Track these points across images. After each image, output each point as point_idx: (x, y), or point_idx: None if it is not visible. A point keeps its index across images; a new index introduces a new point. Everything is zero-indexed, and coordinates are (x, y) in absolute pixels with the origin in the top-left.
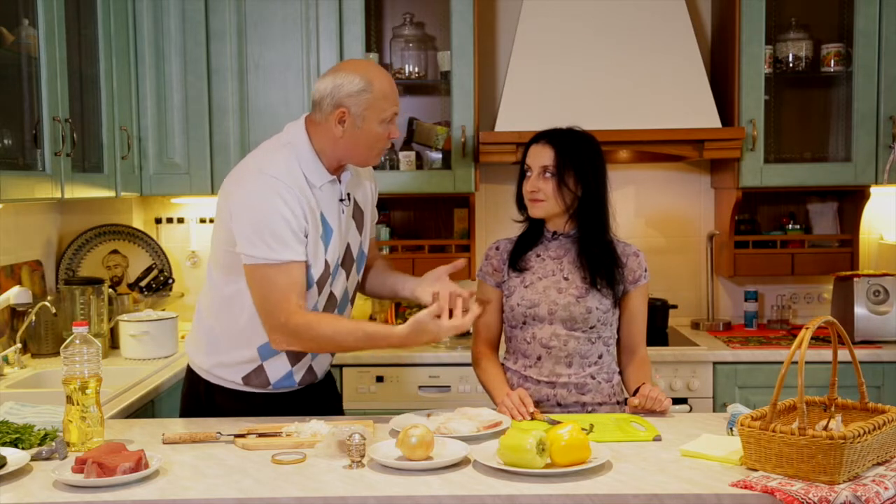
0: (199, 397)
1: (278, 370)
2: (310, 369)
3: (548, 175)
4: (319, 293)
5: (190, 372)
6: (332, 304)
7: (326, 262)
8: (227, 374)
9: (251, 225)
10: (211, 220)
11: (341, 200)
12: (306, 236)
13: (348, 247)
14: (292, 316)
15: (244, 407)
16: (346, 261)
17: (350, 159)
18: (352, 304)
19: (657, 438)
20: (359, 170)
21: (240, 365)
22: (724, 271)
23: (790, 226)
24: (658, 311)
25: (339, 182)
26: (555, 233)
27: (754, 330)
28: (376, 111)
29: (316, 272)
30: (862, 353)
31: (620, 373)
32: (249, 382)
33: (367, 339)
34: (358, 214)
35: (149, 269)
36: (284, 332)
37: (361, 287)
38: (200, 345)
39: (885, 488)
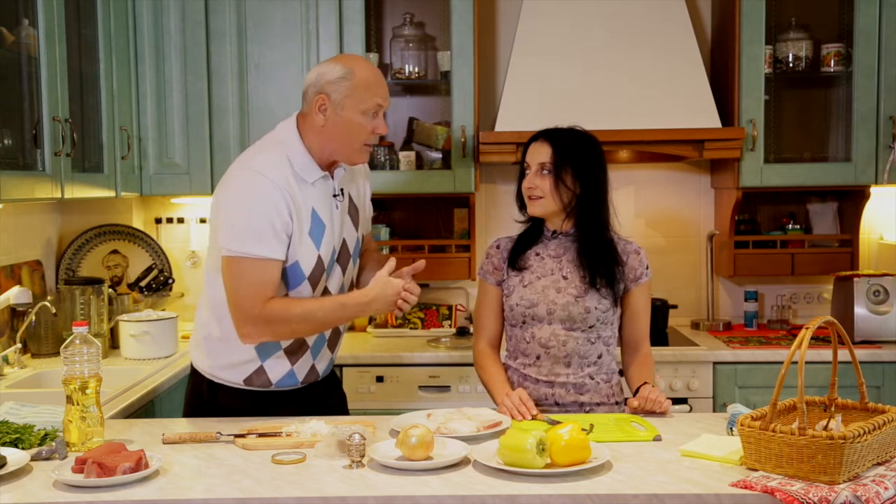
0: (202, 396)
1: (279, 370)
2: (312, 368)
3: (545, 172)
4: (314, 289)
5: (193, 372)
6: None
7: (320, 257)
8: (229, 375)
9: (234, 219)
10: None
11: (335, 196)
12: (290, 237)
13: (344, 243)
14: (266, 305)
15: (247, 405)
16: (342, 256)
17: (335, 153)
18: None
19: (657, 438)
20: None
21: (240, 366)
22: (724, 271)
23: (790, 226)
24: (658, 311)
25: (332, 178)
26: (554, 232)
27: (754, 330)
28: (356, 100)
29: (307, 268)
30: (862, 353)
31: (623, 370)
32: (251, 384)
33: (339, 306)
34: (353, 210)
35: (149, 269)
36: (258, 321)
37: (357, 282)
38: (201, 347)
39: (885, 488)
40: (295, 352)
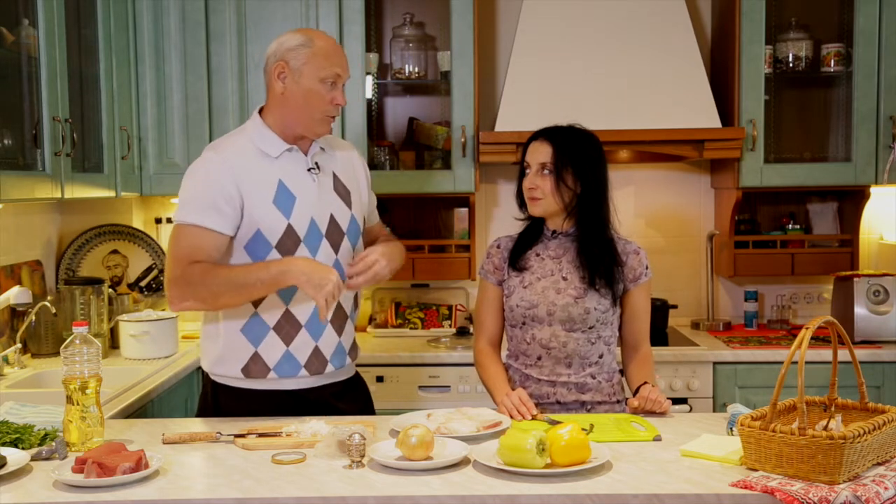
0: (206, 398)
1: (275, 353)
2: (316, 353)
3: (546, 172)
4: None
5: (203, 375)
6: None
7: (290, 226)
8: (228, 369)
9: (182, 192)
10: None
11: (310, 170)
12: (239, 209)
13: (333, 219)
14: (189, 266)
15: (249, 406)
16: (332, 233)
17: (296, 124)
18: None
19: (657, 438)
20: (338, 150)
21: (235, 355)
22: (724, 271)
23: (790, 226)
24: (658, 311)
25: (306, 154)
26: (554, 231)
27: (754, 330)
28: (314, 67)
29: (272, 235)
30: (862, 353)
31: (623, 369)
32: (250, 374)
33: (262, 266)
34: (341, 189)
35: (149, 269)
36: (179, 282)
37: None
38: (203, 344)
39: (885, 488)
40: (283, 326)
